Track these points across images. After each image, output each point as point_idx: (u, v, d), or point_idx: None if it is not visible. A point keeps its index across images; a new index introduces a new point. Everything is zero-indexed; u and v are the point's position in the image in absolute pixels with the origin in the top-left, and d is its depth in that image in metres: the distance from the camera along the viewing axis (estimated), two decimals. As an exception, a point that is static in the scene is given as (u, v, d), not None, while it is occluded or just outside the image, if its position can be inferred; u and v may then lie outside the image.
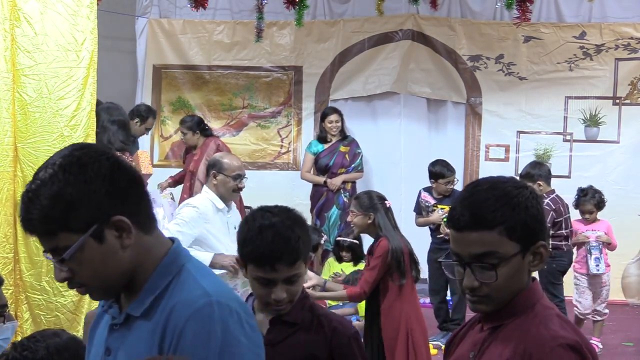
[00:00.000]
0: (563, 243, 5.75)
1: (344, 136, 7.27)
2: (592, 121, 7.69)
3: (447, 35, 7.84)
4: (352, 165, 7.22)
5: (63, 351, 2.07)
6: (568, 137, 7.75)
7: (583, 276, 5.87)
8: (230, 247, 3.98)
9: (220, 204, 4.15)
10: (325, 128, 7.26)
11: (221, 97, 8.09)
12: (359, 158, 7.27)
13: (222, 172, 4.13)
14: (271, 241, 2.04)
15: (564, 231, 5.75)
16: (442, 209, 5.97)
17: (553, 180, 7.13)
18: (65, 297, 4.34)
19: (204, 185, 4.35)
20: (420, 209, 6.24)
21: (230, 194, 4.16)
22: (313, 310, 2.22)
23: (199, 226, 4.07)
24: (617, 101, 7.66)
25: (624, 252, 6.84)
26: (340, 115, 7.25)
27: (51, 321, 4.31)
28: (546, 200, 5.64)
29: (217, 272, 3.71)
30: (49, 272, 4.24)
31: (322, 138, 7.32)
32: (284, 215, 2.11)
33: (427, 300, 7.46)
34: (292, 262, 2.06)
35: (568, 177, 7.64)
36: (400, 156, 8.07)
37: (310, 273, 4.00)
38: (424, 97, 8.00)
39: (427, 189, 6.20)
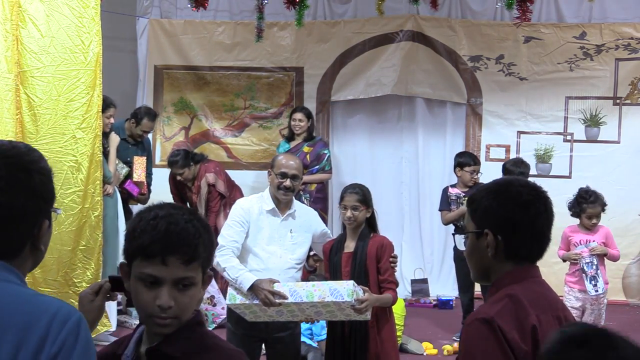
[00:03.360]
0: None
1: (310, 137, 7.20)
2: (593, 121, 7.71)
3: (447, 35, 7.84)
4: (317, 167, 7.10)
5: None
6: (568, 138, 7.77)
7: (574, 292, 5.19)
8: (276, 254, 3.87)
9: (269, 205, 3.91)
10: (291, 126, 7.20)
11: (223, 97, 8.08)
12: (325, 159, 7.12)
13: (272, 170, 3.97)
14: (165, 229, 1.72)
15: None
16: None
17: (554, 181, 7.21)
18: (79, 287, 4.33)
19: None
20: (448, 205, 6.17)
21: (277, 192, 3.90)
22: (203, 340, 1.80)
23: (245, 218, 3.87)
24: (618, 101, 7.68)
25: (625, 252, 6.84)
26: (308, 116, 7.16)
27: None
28: None
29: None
30: (62, 268, 4.29)
31: (290, 137, 7.24)
32: (185, 210, 1.82)
33: (428, 300, 7.52)
34: (188, 260, 1.72)
35: (569, 177, 7.66)
36: (401, 157, 8.08)
37: None
38: (424, 98, 8.01)
39: (453, 185, 6.26)
